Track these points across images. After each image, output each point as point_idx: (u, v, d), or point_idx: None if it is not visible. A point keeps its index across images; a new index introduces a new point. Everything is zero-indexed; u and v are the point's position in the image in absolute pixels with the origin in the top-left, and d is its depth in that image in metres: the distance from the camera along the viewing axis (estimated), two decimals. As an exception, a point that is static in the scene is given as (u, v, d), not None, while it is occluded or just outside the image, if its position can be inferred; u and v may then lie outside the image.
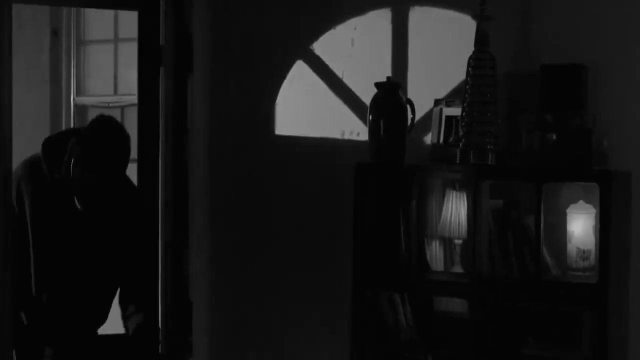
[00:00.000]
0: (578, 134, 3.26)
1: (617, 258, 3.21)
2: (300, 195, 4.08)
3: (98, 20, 6.86)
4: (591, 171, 3.19)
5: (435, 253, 3.52)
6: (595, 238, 3.19)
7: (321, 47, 4.03)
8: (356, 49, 3.96)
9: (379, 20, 3.90)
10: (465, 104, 3.38)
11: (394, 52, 3.88)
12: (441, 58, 3.76)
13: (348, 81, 3.97)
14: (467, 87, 3.38)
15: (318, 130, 4.03)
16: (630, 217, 3.35)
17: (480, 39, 3.38)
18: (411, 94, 3.64)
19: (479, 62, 3.37)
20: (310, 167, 4.05)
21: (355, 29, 3.96)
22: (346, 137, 3.96)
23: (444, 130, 3.59)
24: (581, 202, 3.28)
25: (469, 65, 3.38)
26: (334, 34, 4.00)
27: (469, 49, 3.40)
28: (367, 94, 3.66)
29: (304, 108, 4.07)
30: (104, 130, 3.57)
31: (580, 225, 3.25)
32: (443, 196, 3.49)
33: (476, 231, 3.31)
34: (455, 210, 3.43)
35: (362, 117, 3.84)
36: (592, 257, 3.22)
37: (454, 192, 3.45)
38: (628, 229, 3.35)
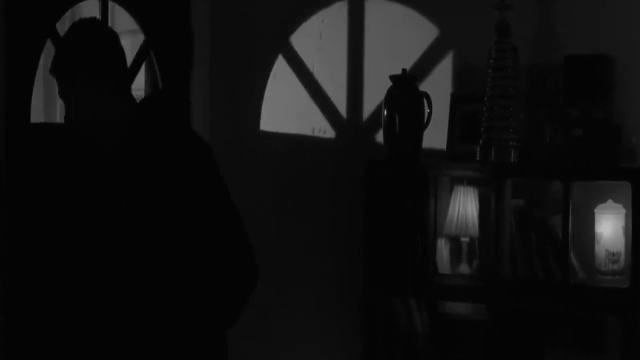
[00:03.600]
0: (605, 129, 3.11)
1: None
2: (296, 194, 3.94)
3: (93, 15, 6.71)
4: (622, 169, 3.03)
5: (449, 255, 3.39)
6: (626, 239, 3.04)
7: (296, 40, 3.92)
8: (324, 42, 3.83)
9: (342, 12, 3.79)
10: (485, 98, 3.21)
11: (350, 45, 3.78)
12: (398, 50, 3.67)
13: (318, 76, 3.86)
14: (488, 79, 3.20)
15: (296, 127, 3.93)
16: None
17: (502, 29, 3.20)
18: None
19: (500, 53, 3.19)
20: (303, 164, 3.92)
21: (322, 21, 3.84)
22: (316, 134, 3.85)
23: (462, 126, 3.42)
24: (610, 201, 3.12)
25: (489, 56, 3.21)
26: (306, 27, 3.88)
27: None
28: (337, 89, 3.69)
29: (283, 104, 3.96)
30: (79, 29, 2.77)
31: (609, 226, 3.09)
32: (460, 194, 3.35)
33: (498, 232, 3.15)
34: (463, 207, 3.31)
35: (328, 115, 3.79)
36: (622, 259, 3.07)
37: (462, 188, 3.33)
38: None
